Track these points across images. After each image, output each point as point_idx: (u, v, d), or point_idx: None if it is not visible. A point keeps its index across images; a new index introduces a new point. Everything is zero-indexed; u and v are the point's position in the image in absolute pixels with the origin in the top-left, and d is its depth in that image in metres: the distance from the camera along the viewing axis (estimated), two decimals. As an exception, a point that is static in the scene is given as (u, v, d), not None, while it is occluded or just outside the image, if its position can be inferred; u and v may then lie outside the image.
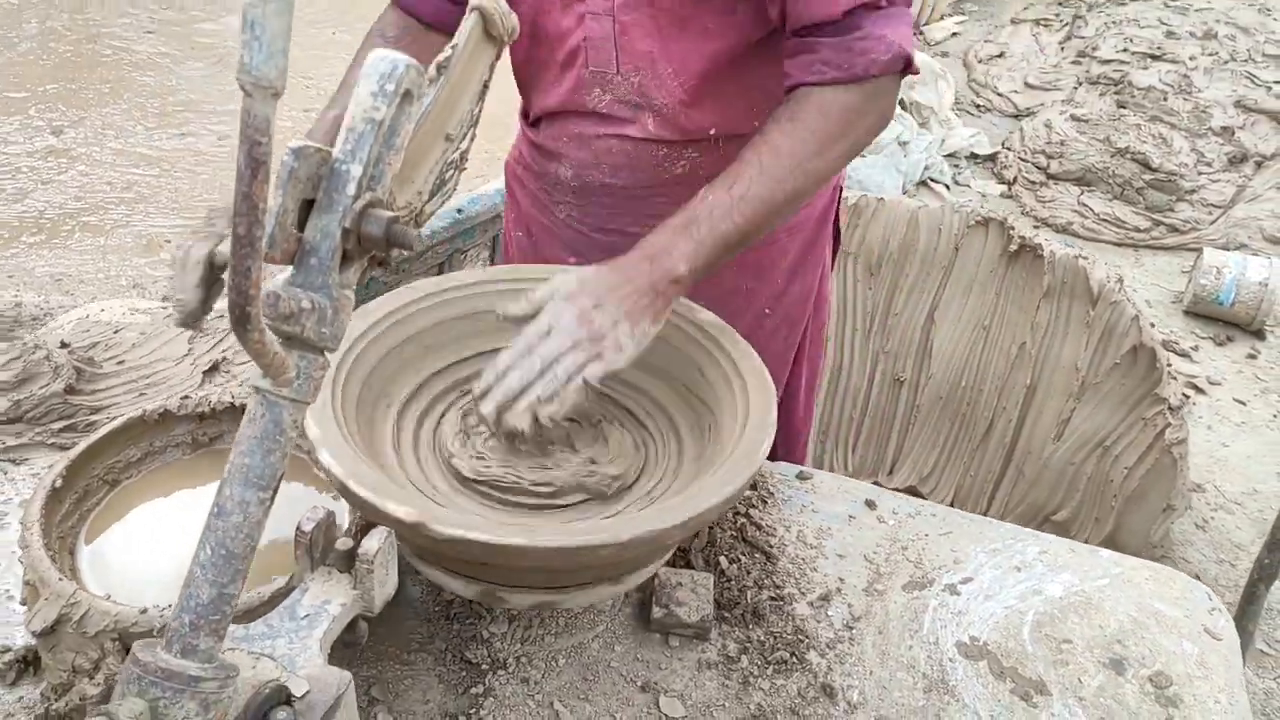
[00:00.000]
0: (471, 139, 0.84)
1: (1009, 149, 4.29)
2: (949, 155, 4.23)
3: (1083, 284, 2.49)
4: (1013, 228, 2.59)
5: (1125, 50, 4.69)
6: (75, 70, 3.93)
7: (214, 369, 1.51)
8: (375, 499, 0.83)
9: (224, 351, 1.53)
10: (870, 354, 2.72)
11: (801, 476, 1.43)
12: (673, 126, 1.31)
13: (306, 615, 0.77)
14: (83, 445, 1.17)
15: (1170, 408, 2.33)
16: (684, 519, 0.90)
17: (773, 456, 1.49)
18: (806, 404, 1.67)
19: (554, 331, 1.03)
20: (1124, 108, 4.28)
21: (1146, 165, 3.94)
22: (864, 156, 3.77)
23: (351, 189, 0.64)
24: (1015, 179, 4.15)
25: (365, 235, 0.64)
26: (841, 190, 1.55)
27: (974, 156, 4.31)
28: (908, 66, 1.16)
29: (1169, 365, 2.38)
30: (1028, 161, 4.16)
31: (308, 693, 0.71)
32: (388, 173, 0.67)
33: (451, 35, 1.20)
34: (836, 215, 1.54)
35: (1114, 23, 4.94)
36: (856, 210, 2.68)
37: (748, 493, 1.39)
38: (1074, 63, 4.80)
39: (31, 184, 3.25)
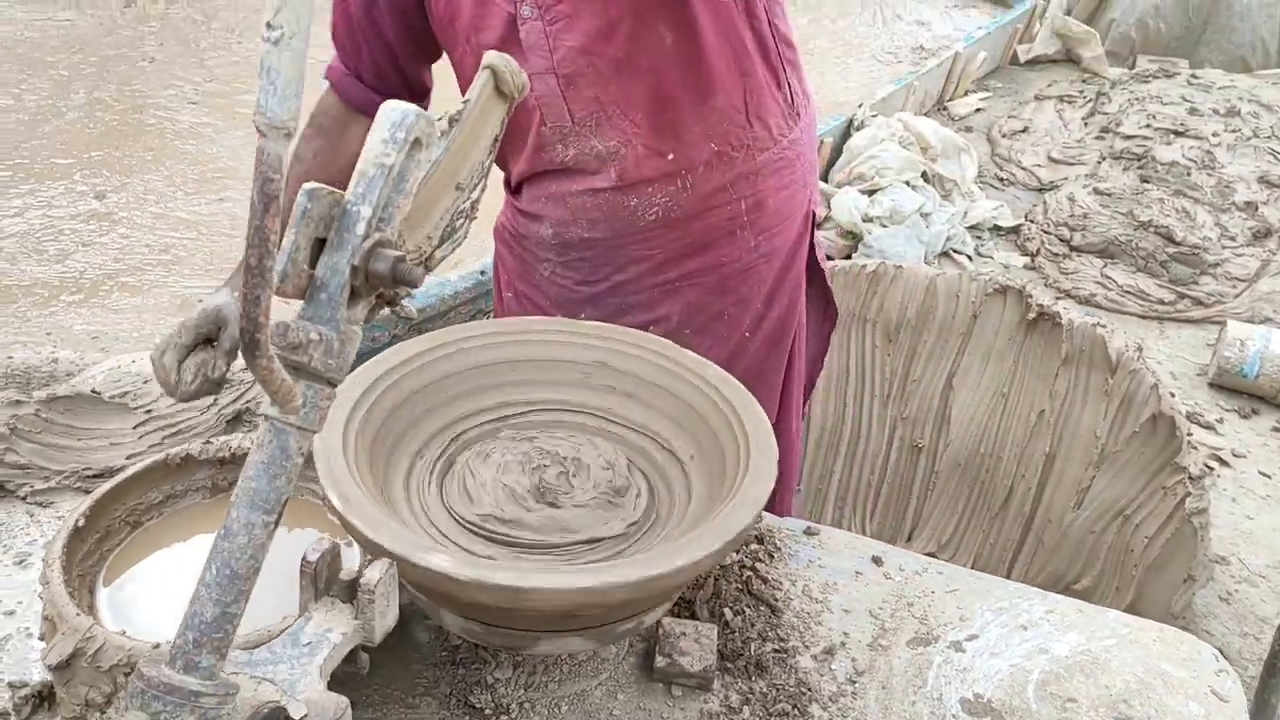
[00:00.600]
0: (482, 189, 0.89)
1: (1032, 221, 4.32)
2: (972, 227, 4.26)
3: (1101, 352, 2.50)
4: (1030, 296, 2.61)
5: (1148, 126, 4.73)
6: (120, 138, 4.06)
7: (237, 419, 1.55)
8: (406, 552, 0.86)
9: (247, 403, 1.57)
10: (888, 420, 2.73)
11: (809, 532, 1.45)
12: (635, 172, 1.38)
13: (309, 643, 0.80)
14: (106, 487, 1.21)
15: (1190, 477, 2.32)
16: (676, 566, 0.92)
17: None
18: (795, 432, 1.70)
19: None
20: (1147, 182, 4.31)
21: (1170, 239, 3.95)
22: (885, 226, 3.82)
23: (361, 229, 0.69)
24: (1038, 251, 4.17)
25: (373, 273, 0.69)
26: (814, 217, 1.58)
27: (997, 228, 4.34)
28: None
29: (1189, 435, 2.37)
30: (1050, 234, 4.19)
31: (305, 716, 0.74)
32: (397, 215, 0.71)
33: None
34: (812, 246, 1.58)
35: (1137, 99, 4.99)
36: (875, 277, 2.71)
37: (754, 546, 1.40)
38: (1097, 138, 4.85)
39: (73, 246, 3.35)
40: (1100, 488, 2.47)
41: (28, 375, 1.67)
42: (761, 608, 1.31)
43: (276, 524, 0.68)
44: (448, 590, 0.90)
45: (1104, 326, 2.53)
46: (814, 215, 1.56)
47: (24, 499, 1.43)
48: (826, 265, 1.64)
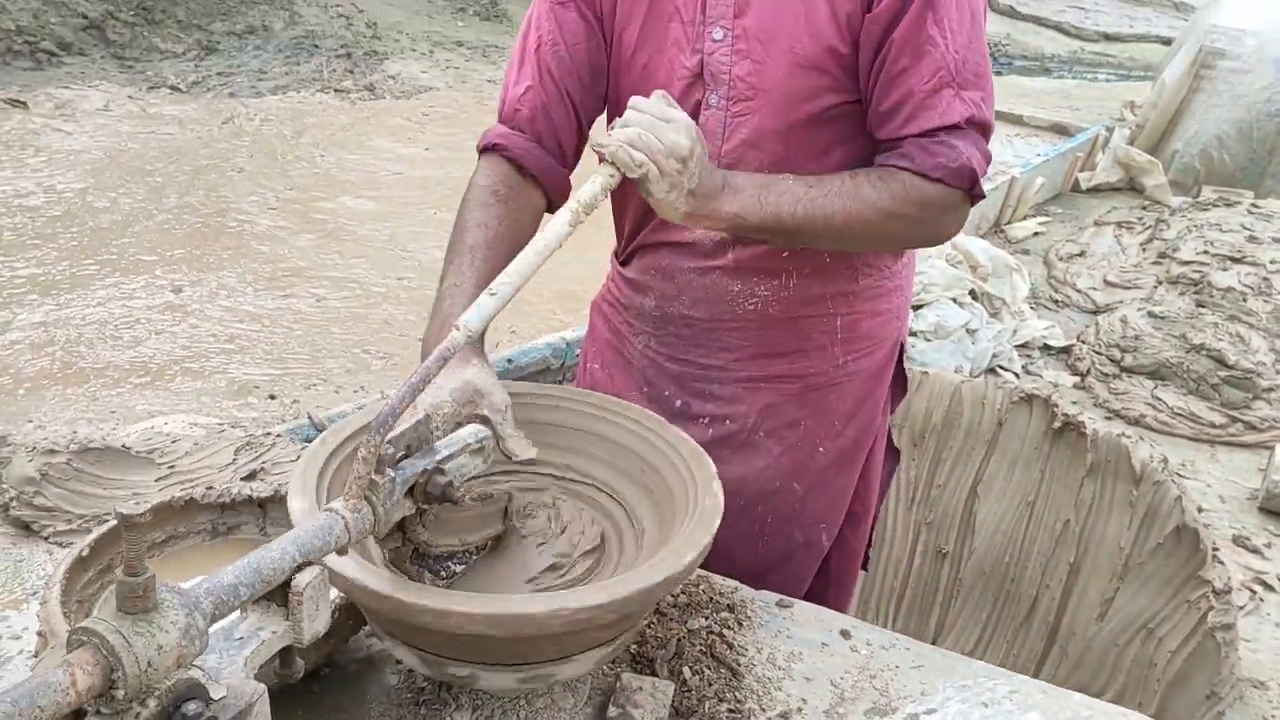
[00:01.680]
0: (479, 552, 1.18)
1: (1083, 342, 4.31)
2: (1022, 346, 4.27)
3: (1125, 463, 2.48)
4: (1056, 405, 2.61)
5: (1206, 252, 4.73)
6: (201, 239, 4.34)
7: (251, 476, 1.65)
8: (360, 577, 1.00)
9: (263, 462, 1.67)
10: (913, 525, 2.73)
11: (781, 604, 1.47)
12: (749, 261, 1.46)
13: (240, 638, 0.87)
14: (113, 523, 1.31)
15: (1215, 591, 2.27)
16: (622, 595, 0.99)
17: (820, 599, 1.60)
18: (856, 552, 1.73)
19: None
20: (1203, 307, 4.29)
21: (1222, 362, 3.91)
22: (929, 340, 3.86)
23: (436, 459, 1.03)
24: (1089, 370, 4.15)
25: (430, 487, 1.02)
26: (903, 348, 1.64)
27: (1047, 348, 4.34)
28: (974, 185, 1.31)
29: (1215, 548, 2.34)
30: (1102, 354, 4.18)
31: (224, 697, 0.80)
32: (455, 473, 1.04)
33: (547, 188, 1.40)
34: (900, 368, 1.63)
35: (1196, 226, 5.00)
36: (902, 383, 2.75)
37: (724, 614, 1.44)
38: (1155, 263, 4.85)
39: (147, 334, 3.57)
40: (1124, 600, 2.43)
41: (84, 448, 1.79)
42: (722, 670, 1.33)
43: (300, 566, 0.88)
44: (384, 612, 0.99)
45: (1128, 437, 2.52)
46: (903, 347, 1.62)
47: (46, 539, 1.53)
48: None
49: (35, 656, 1.24)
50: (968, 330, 3.99)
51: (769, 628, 1.42)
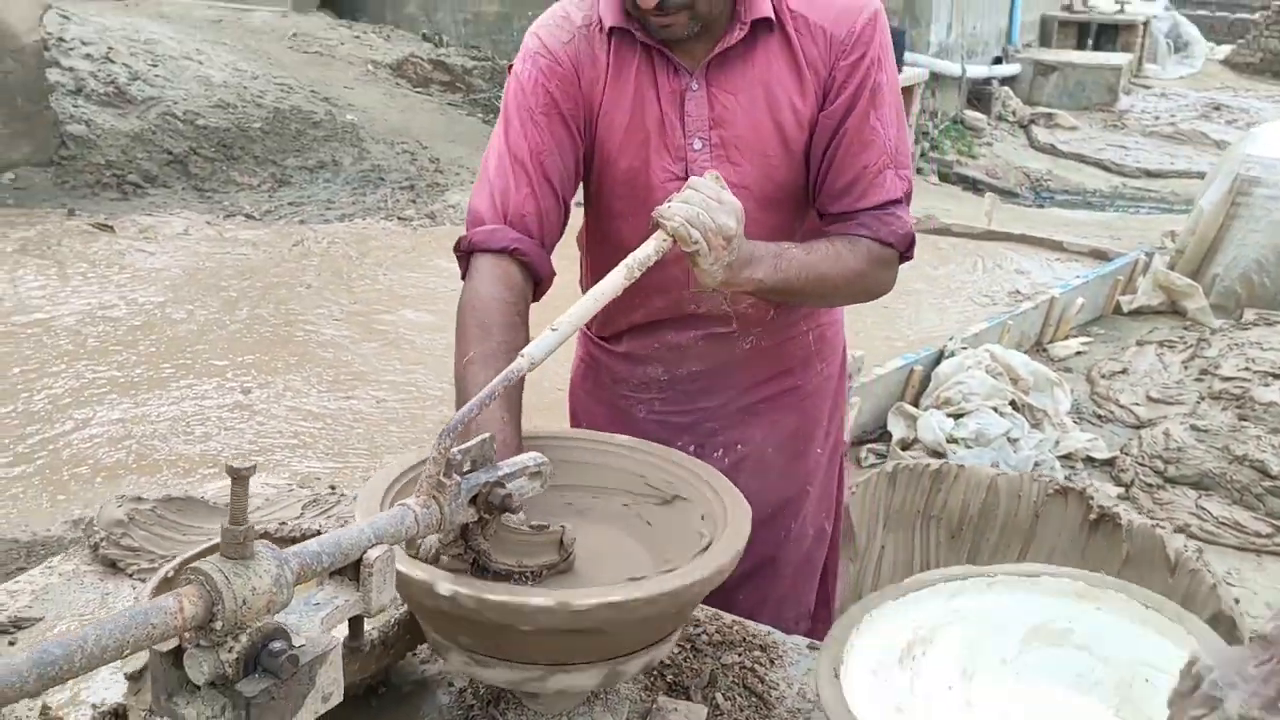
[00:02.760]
0: (534, 579, 1.25)
1: (1127, 454, 4.34)
2: (1065, 457, 4.31)
3: (1160, 553, 2.52)
4: (1092, 497, 2.67)
5: (1247, 369, 4.77)
6: (270, 346, 4.58)
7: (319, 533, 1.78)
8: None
9: (329, 516, 1.80)
10: (952, 615, 2.77)
11: (811, 646, 1.56)
12: (744, 317, 1.67)
13: (318, 603, 0.99)
14: (197, 549, 1.44)
15: (1253, 677, 2.29)
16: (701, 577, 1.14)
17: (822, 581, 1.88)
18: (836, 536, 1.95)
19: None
20: (1245, 420, 4.32)
21: (1265, 473, 3.93)
22: (969, 448, 3.92)
23: (499, 475, 1.15)
24: (1133, 481, 4.17)
25: (491, 497, 1.13)
26: (846, 351, 1.90)
27: (1091, 460, 4.38)
28: (910, 247, 1.59)
29: (1252, 635, 2.35)
30: (1145, 465, 4.20)
31: (303, 645, 0.92)
32: (515, 491, 1.16)
33: (540, 290, 1.57)
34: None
35: (1237, 345, 5.05)
36: (938, 475, 2.82)
37: (756, 653, 1.53)
38: (1197, 379, 4.90)
39: (216, 430, 3.78)
40: (1163, 688, 2.44)
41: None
42: (754, 699, 1.42)
43: (371, 544, 1.01)
44: (457, 615, 1.10)
45: (1162, 527, 2.57)
46: (845, 349, 1.88)
47: (130, 576, 1.67)
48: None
49: (123, 661, 1.36)
50: (1009, 439, 4.06)
51: (799, 665, 1.51)
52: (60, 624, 1.54)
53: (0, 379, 4.15)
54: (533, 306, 1.54)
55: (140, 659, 1.31)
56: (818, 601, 1.92)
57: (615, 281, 1.23)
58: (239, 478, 0.90)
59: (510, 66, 1.60)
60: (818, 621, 1.87)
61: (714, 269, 1.32)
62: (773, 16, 1.49)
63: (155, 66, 7.86)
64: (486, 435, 1.16)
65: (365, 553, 1.02)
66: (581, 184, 1.64)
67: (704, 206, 1.29)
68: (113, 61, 7.72)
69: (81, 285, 5.19)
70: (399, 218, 6.77)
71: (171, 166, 7.19)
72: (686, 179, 1.50)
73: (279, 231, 6.32)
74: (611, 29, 1.52)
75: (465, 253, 1.53)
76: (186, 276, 5.45)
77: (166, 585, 1.38)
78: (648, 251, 1.26)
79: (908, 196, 1.58)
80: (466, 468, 1.12)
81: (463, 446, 1.12)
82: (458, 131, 8.89)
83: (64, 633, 0.82)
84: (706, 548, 1.25)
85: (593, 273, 1.71)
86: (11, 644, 1.50)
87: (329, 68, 9.12)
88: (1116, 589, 1.26)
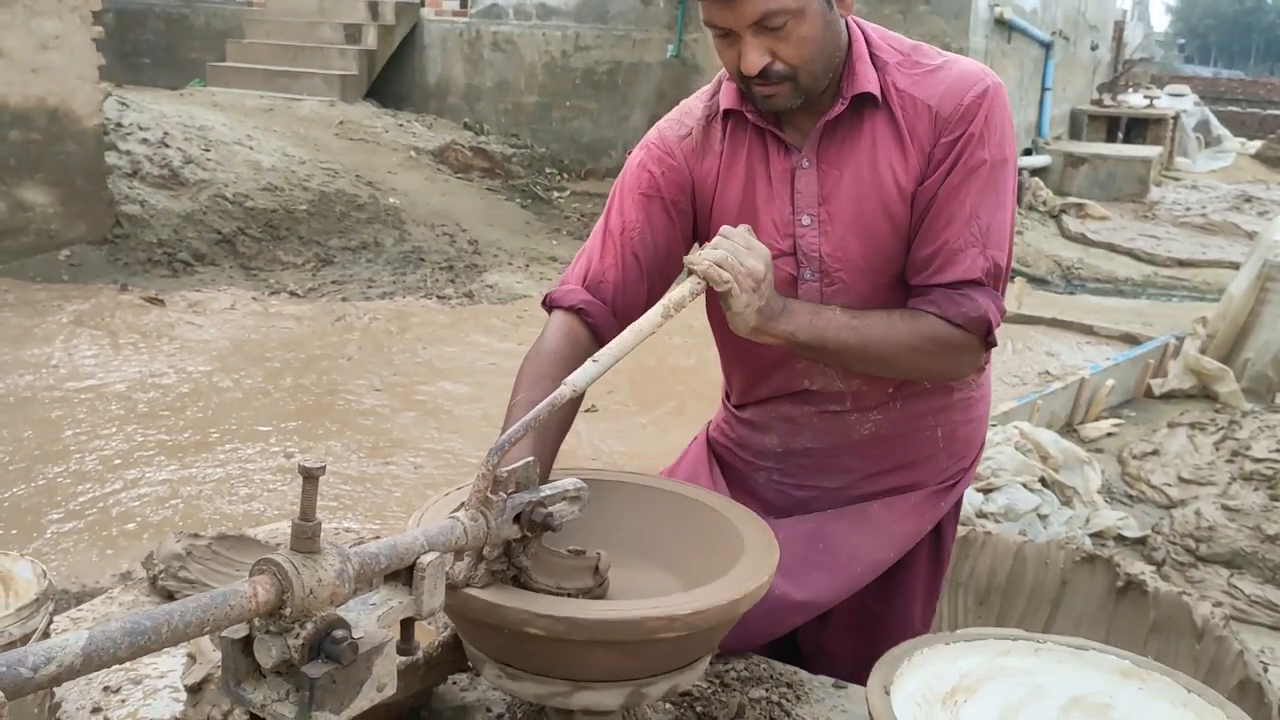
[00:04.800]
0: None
1: (1158, 533, 4.34)
2: (1096, 535, 4.31)
3: (1187, 619, 2.54)
4: (1119, 565, 2.70)
5: (1278, 450, 4.77)
6: (312, 414, 4.71)
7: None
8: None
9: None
10: (980, 681, 2.78)
11: (837, 685, 1.61)
12: (863, 401, 1.68)
13: (374, 603, 1.07)
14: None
15: (1282, 743, 2.29)
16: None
17: None
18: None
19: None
20: (1276, 501, 4.32)
21: (1299, 552, 3.92)
22: (999, 522, 3.95)
23: (541, 496, 1.24)
24: (1164, 560, 4.17)
25: (534, 516, 1.22)
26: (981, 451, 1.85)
27: (1122, 538, 4.37)
28: (989, 333, 1.54)
29: (1280, 702, 2.36)
30: (1177, 544, 4.20)
31: (361, 636, 1.00)
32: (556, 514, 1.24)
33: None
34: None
35: (1268, 427, 5.06)
36: (966, 542, 2.86)
37: (783, 689, 1.58)
38: (1228, 461, 4.89)
39: (259, 491, 3.89)
40: (1192, 755, 2.44)
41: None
42: (781, 728, 1.47)
43: (425, 549, 1.10)
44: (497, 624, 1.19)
45: (1189, 595, 2.59)
46: (983, 445, 1.85)
47: (186, 606, 1.75)
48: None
49: (183, 675, 1.43)
50: (1039, 515, 4.07)
51: (825, 704, 1.56)
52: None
53: (54, 441, 4.29)
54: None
55: (200, 672, 1.39)
56: None
57: (652, 320, 1.32)
58: (310, 476, 0.99)
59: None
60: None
61: (746, 312, 1.38)
62: (877, 94, 1.53)
63: (208, 151, 8.18)
64: (530, 459, 1.25)
65: (418, 558, 1.11)
66: None
67: (731, 251, 1.36)
68: (168, 146, 8.05)
69: (133, 355, 5.37)
70: (438, 296, 6.95)
71: (220, 246, 7.44)
72: (794, 255, 1.60)
73: (322, 308, 6.51)
74: (726, 112, 1.61)
75: (546, 307, 1.66)
76: (233, 348, 5.62)
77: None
78: (682, 293, 1.35)
79: (991, 278, 1.52)
80: (511, 488, 1.21)
81: (509, 467, 1.21)
82: (496, 215, 9.14)
83: (154, 609, 0.90)
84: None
85: (721, 348, 1.80)
86: (75, 665, 1.57)
87: (373, 154, 9.43)
88: (1161, 672, 1.29)
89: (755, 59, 1.44)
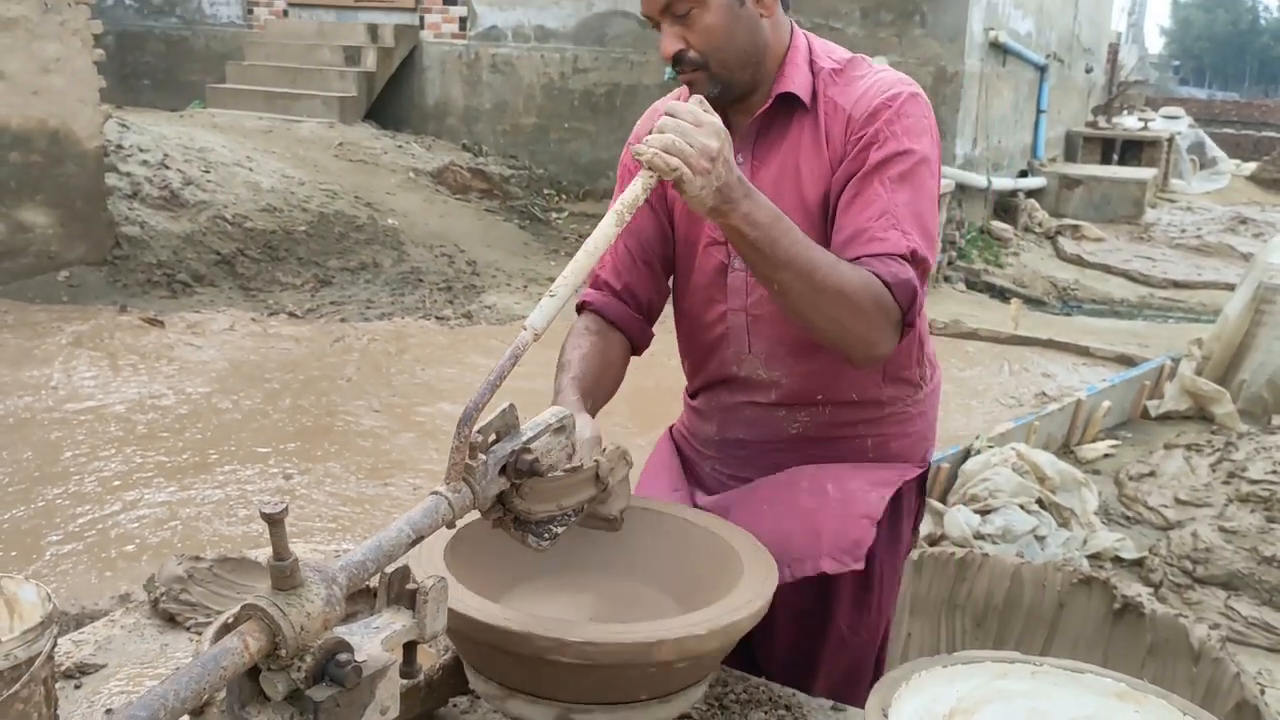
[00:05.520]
0: (576, 515, 1.31)
1: (1155, 554, 4.35)
2: (1093, 556, 4.32)
3: (1184, 642, 2.55)
4: (1116, 587, 2.71)
5: (1275, 472, 4.79)
6: (311, 435, 4.72)
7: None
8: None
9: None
10: (978, 703, 2.78)
11: (836, 708, 1.62)
12: (788, 398, 1.73)
13: (378, 627, 1.08)
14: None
15: (1279, 765, 2.29)
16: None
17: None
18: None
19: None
20: (1273, 522, 4.33)
21: (1295, 573, 3.93)
22: (996, 544, 3.96)
23: (521, 441, 1.22)
24: (1161, 582, 4.18)
25: (519, 464, 1.20)
26: (929, 466, 1.88)
27: (1119, 560, 4.38)
28: (912, 306, 1.51)
29: (1277, 724, 2.37)
30: (1174, 566, 4.21)
31: (365, 660, 1.01)
32: (540, 450, 1.22)
33: (627, 333, 1.76)
34: (921, 490, 1.89)
35: (1264, 448, 5.08)
36: (963, 564, 2.87)
37: (781, 712, 1.59)
38: (1224, 482, 4.91)
39: (257, 512, 3.87)
40: (1190, 777, 2.44)
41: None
42: (779, 750, 1.48)
43: (414, 543, 1.10)
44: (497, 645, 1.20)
45: (1185, 617, 2.60)
46: (929, 464, 1.87)
47: (188, 629, 1.76)
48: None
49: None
50: (1036, 536, 4.08)
51: (821, 725, 1.57)
52: (122, 671, 1.62)
53: (53, 462, 4.30)
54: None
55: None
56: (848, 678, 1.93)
57: (606, 230, 1.27)
58: (274, 521, 0.97)
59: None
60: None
61: (703, 194, 1.33)
62: (804, 96, 1.61)
63: (207, 173, 8.21)
64: (507, 405, 1.22)
65: (420, 583, 1.12)
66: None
67: (679, 132, 1.31)
68: (168, 167, 8.08)
69: (132, 376, 5.38)
70: (436, 317, 6.97)
71: (219, 267, 7.46)
72: (725, 244, 1.66)
73: (320, 328, 6.53)
74: None
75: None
76: (232, 369, 5.64)
77: (226, 629, 1.47)
78: (635, 191, 1.30)
79: (914, 259, 1.51)
80: (491, 440, 1.19)
81: (484, 424, 1.18)
82: (494, 236, 9.17)
83: (146, 693, 0.88)
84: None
85: (676, 329, 1.88)
86: (77, 688, 1.58)
87: (372, 175, 9.47)
88: (1157, 694, 1.30)
89: (668, 44, 1.56)
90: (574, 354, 1.65)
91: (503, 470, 1.19)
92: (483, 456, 1.16)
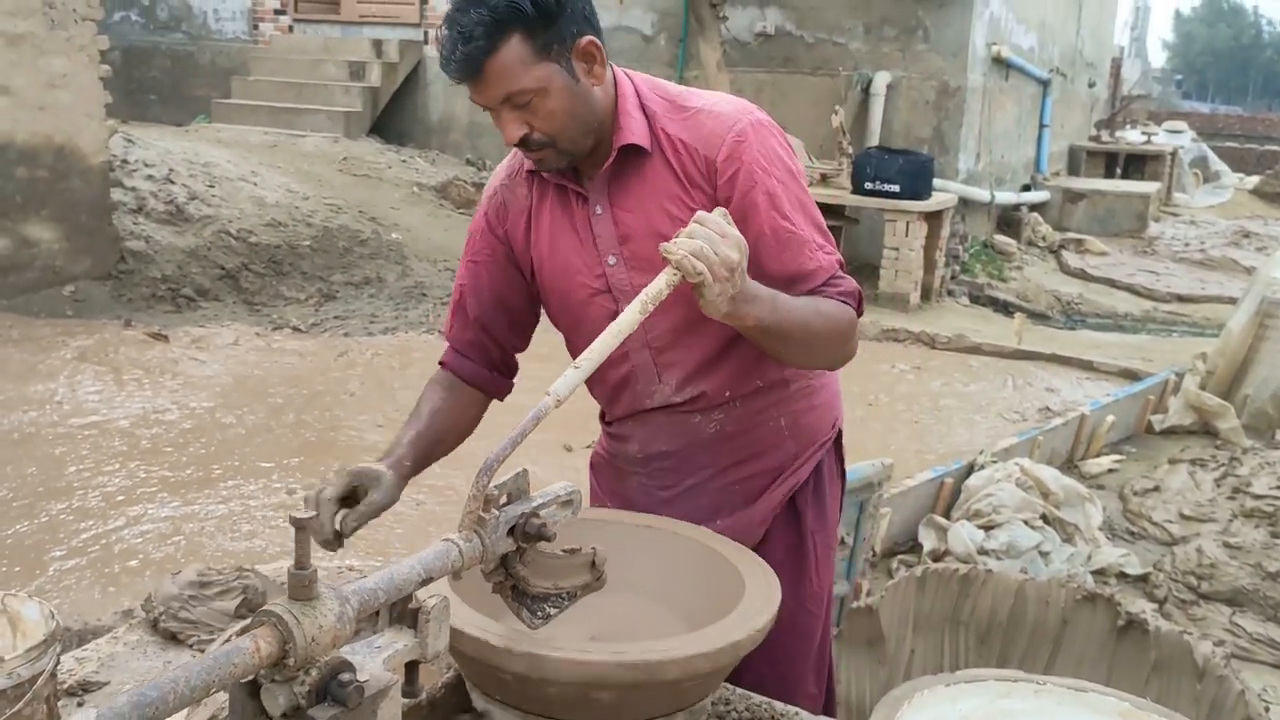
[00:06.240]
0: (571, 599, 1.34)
1: (1160, 570, 4.34)
2: (1098, 572, 4.31)
3: (1188, 659, 2.54)
4: (1120, 604, 2.70)
5: (1278, 487, 4.78)
6: (314, 450, 4.72)
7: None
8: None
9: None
10: (982, 720, 2.77)
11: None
12: (701, 400, 1.78)
13: (380, 646, 1.08)
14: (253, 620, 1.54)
15: (1285, 784, 2.28)
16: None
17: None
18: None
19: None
20: (1278, 538, 4.32)
21: (1300, 589, 3.92)
22: (1000, 559, 3.95)
23: (533, 505, 1.26)
24: (1166, 598, 4.16)
25: (528, 527, 1.24)
26: (839, 431, 1.96)
27: (1124, 575, 4.37)
28: (861, 303, 1.67)
29: (1283, 742, 2.35)
30: (1178, 582, 4.20)
31: (367, 680, 1.01)
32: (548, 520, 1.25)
33: (482, 389, 1.81)
34: (839, 448, 1.97)
35: (1268, 464, 5.06)
36: (966, 580, 2.86)
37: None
38: (1229, 498, 4.90)
39: (261, 528, 3.90)
40: (1195, 796, 2.43)
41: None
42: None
43: (423, 584, 1.12)
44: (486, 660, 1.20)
45: (1190, 634, 2.59)
46: (837, 426, 1.94)
47: (190, 646, 1.76)
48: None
49: (188, 715, 1.44)
50: (1040, 552, 4.07)
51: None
52: (125, 688, 1.62)
53: (57, 477, 4.31)
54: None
55: (204, 713, 1.40)
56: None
57: (631, 317, 1.34)
58: (301, 526, 1.00)
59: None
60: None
61: (719, 300, 1.40)
62: (644, 144, 1.65)
63: (212, 187, 8.24)
64: (521, 469, 1.26)
65: (423, 602, 1.12)
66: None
67: (707, 240, 1.37)
68: (173, 182, 8.11)
69: (136, 391, 5.39)
70: (440, 332, 6.97)
71: (224, 281, 7.48)
72: (610, 292, 1.71)
73: (324, 343, 6.54)
74: (530, 171, 1.75)
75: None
76: (236, 383, 5.65)
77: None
78: (659, 286, 1.36)
79: (842, 266, 1.68)
80: (503, 501, 1.23)
81: (499, 481, 1.22)
82: (498, 251, 9.18)
83: (158, 677, 0.91)
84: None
85: (596, 389, 1.91)
86: (80, 705, 1.58)
87: (376, 189, 9.50)
88: (1161, 715, 1.30)
89: (512, 131, 1.58)
90: (425, 407, 1.77)
91: (510, 531, 1.23)
92: (496, 511, 1.20)
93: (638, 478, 1.88)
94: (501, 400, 1.87)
